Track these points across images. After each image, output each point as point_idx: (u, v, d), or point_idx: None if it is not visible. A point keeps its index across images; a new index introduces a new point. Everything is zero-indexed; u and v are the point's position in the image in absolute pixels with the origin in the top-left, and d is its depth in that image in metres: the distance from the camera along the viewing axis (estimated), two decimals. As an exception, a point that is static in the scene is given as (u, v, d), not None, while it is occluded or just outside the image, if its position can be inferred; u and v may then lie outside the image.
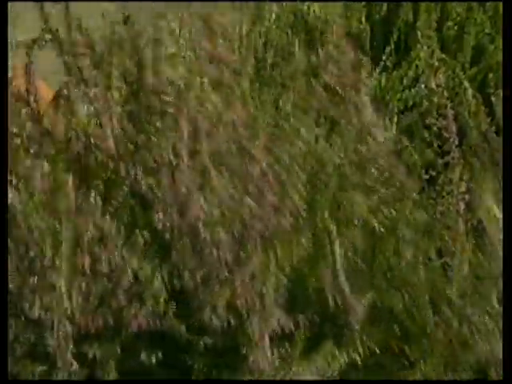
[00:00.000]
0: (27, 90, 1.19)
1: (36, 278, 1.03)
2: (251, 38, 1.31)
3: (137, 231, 1.02)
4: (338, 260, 1.00)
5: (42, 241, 1.01)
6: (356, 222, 1.05)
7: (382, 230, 1.05)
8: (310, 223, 1.02)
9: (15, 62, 1.18)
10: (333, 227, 0.99)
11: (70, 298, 0.95)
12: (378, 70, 1.56)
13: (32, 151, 1.07)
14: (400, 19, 1.68)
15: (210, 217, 0.95)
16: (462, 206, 1.10)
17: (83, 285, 0.98)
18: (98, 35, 1.18)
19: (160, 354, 1.03)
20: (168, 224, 1.02)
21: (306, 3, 1.68)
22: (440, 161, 1.18)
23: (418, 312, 1.05)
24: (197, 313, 1.01)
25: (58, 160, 1.05)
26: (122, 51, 1.17)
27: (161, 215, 1.02)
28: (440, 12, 1.66)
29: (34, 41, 1.18)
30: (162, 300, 0.98)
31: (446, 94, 1.19)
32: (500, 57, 1.53)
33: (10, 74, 1.16)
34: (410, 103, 1.54)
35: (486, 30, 1.65)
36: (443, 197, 1.10)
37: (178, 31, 1.17)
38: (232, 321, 1.01)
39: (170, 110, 1.08)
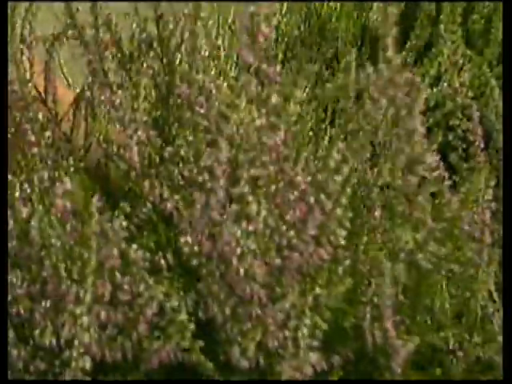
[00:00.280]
0: (45, 90, 1.10)
1: (48, 302, 0.95)
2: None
3: (160, 254, 0.94)
4: (384, 296, 0.92)
5: (57, 262, 0.92)
6: (401, 255, 0.96)
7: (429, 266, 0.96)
8: (351, 255, 0.93)
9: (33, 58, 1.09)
10: (382, 259, 0.91)
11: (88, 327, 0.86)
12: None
13: (49, 162, 0.98)
14: (422, 12, 1.56)
15: (245, 247, 0.86)
16: (488, 214, 1.01)
17: (102, 313, 0.89)
18: (126, 34, 1.10)
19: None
20: (196, 249, 0.93)
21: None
22: (464, 165, 1.10)
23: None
24: (223, 349, 0.92)
25: (78, 172, 0.96)
26: (152, 52, 1.08)
27: (189, 239, 0.93)
28: (465, 4, 1.53)
29: (56, 36, 1.09)
30: (189, 334, 0.89)
31: (470, 93, 1.11)
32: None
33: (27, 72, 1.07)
34: (432, 103, 1.44)
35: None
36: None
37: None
38: (261, 360, 0.93)
39: (205, 123, 1.00)
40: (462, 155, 1.10)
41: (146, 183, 0.95)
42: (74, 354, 0.85)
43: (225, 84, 1.02)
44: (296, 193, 0.88)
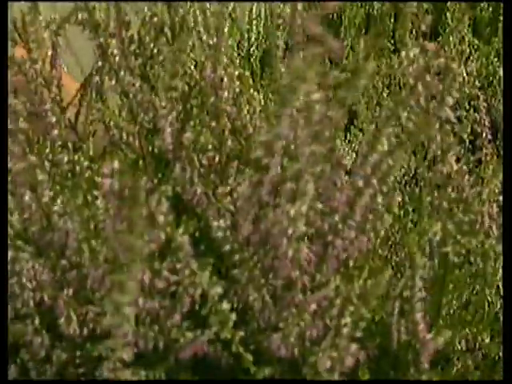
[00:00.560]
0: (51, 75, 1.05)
1: (72, 289, 0.90)
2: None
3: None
4: (415, 289, 0.91)
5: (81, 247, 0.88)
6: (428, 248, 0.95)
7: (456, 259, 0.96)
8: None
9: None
10: (416, 253, 0.89)
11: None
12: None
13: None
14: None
15: (296, 229, 0.83)
16: (496, 208, 1.01)
17: (140, 302, 0.85)
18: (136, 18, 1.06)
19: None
20: (228, 233, 0.90)
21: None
22: (471, 157, 1.10)
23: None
24: (261, 339, 0.89)
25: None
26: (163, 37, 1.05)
27: (221, 223, 0.90)
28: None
29: (65, 19, 1.04)
30: (231, 324, 0.86)
31: (478, 83, 1.11)
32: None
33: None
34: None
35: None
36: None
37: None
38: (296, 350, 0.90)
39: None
40: (468, 147, 1.10)
41: (178, 166, 0.92)
42: (115, 344, 0.81)
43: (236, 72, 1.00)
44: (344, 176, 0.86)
